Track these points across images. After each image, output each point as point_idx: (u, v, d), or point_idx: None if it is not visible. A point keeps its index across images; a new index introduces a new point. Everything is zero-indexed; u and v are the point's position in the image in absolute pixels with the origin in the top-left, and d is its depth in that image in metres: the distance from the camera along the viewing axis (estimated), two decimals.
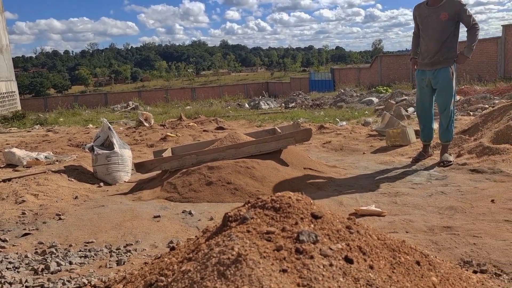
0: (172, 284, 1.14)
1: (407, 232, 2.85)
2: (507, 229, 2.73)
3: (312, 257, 1.12)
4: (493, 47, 21.83)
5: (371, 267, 1.15)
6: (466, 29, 4.44)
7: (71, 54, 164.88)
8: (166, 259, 1.39)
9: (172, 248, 1.57)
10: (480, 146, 4.77)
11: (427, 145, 4.94)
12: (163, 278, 1.19)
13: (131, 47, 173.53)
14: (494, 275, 2.12)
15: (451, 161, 4.57)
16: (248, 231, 1.21)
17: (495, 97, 10.39)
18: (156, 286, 1.18)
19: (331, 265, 1.11)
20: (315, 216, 1.28)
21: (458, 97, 11.60)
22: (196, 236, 1.56)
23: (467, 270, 1.97)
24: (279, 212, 1.28)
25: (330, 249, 1.16)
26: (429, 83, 4.53)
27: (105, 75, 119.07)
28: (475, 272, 2.07)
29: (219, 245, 1.18)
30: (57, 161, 5.97)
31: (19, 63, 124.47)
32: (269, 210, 1.29)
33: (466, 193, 3.61)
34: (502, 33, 21.51)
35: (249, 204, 1.36)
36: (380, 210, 3.28)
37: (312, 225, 1.25)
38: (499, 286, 1.72)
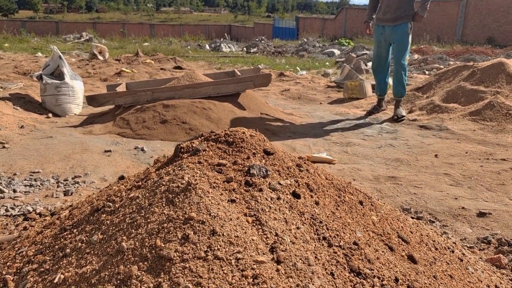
0: (119, 209, 1.13)
1: (354, 179, 2.97)
2: (445, 182, 2.91)
3: (261, 190, 1.14)
4: (455, 9, 22.17)
5: (317, 203, 1.19)
6: None
7: None
8: (114, 187, 1.38)
9: (121, 177, 1.56)
10: (431, 104, 4.95)
11: (382, 99, 5.08)
12: (110, 204, 1.18)
13: None
14: (428, 222, 2.28)
15: (404, 116, 4.73)
16: (200, 162, 1.21)
17: (450, 59, 10.70)
18: (103, 212, 1.16)
19: (278, 198, 1.14)
20: (267, 152, 1.30)
21: (416, 56, 11.86)
22: (147, 168, 1.54)
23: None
24: (232, 146, 1.28)
25: (279, 184, 1.19)
26: (387, 38, 4.67)
27: (57, 2, 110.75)
28: (412, 218, 2.21)
29: (169, 174, 1.17)
30: (1, 87, 5.62)
31: None
32: (222, 144, 1.29)
33: (413, 147, 3.78)
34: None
35: (203, 137, 1.35)
36: (331, 158, 3.38)
37: (263, 161, 1.26)
38: (431, 229, 1.85)
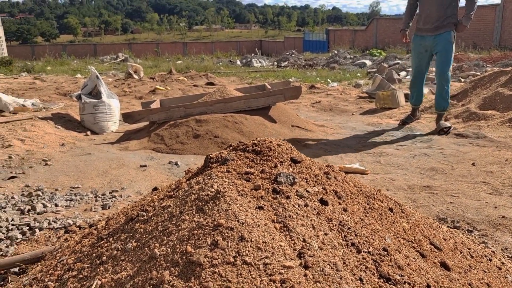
0: (152, 218, 1.17)
1: (387, 189, 2.92)
2: (483, 190, 2.82)
3: (288, 197, 1.16)
4: (491, 15, 21.55)
5: (345, 210, 1.19)
6: None
7: (60, 1, 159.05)
8: (148, 197, 1.43)
9: (155, 189, 1.61)
10: (467, 111, 4.82)
11: (416, 108, 4.93)
12: (143, 213, 1.23)
13: None
14: (466, 231, 2.22)
15: (450, 127, 4.50)
16: (228, 171, 1.24)
17: (487, 65, 10.38)
18: (137, 221, 1.21)
19: (306, 205, 1.15)
20: (294, 161, 1.31)
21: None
22: (179, 179, 1.59)
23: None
24: (259, 155, 1.31)
25: (307, 191, 1.20)
26: (428, 49, 4.44)
27: (95, 25, 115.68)
28: (449, 228, 2.15)
29: (199, 183, 1.21)
30: (44, 108, 5.91)
31: (6, 8, 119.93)
32: (250, 153, 1.32)
33: (449, 155, 3.68)
34: (501, 0, 21.19)
35: (231, 147, 1.38)
36: (363, 168, 3.34)
37: (291, 169, 1.28)
38: (468, 238, 1.79)
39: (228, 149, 1.38)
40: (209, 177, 1.21)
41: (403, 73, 9.79)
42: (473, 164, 3.38)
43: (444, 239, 1.34)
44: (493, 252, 1.73)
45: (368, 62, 13.72)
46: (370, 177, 3.22)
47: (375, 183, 3.04)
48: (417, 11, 4.58)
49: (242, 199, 1.12)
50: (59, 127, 4.78)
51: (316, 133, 4.61)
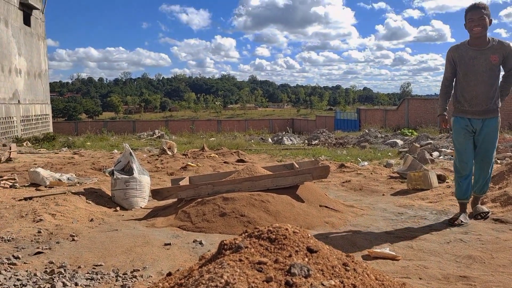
0: None
1: (420, 278, 2.74)
2: None
3: None
4: None
5: None
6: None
7: (105, 82, 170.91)
8: (160, 284, 1.39)
9: (169, 274, 1.57)
10: (505, 195, 4.61)
11: (466, 202, 4.23)
12: None
13: (163, 77, 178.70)
14: None
15: (488, 211, 4.22)
16: (240, 260, 1.20)
17: None
18: None
19: None
20: (310, 250, 1.26)
21: None
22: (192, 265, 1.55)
23: None
24: (274, 243, 1.27)
25: (322, 284, 1.13)
26: (475, 131, 4.05)
27: (136, 103, 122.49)
28: None
29: (210, 272, 1.17)
30: (78, 183, 6.10)
31: (56, 88, 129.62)
32: (264, 241, 1.28)
33: (487, 242, 3.47)
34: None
35: (246, 234, 1.35)
36: (394, 253, 3.18)
37: (306, 259, 1.22)
38: None
39: (243, 234, 1.36)
40: (220, 266, 1.18)
41: (435, 153, 9.65)
42: None
43: None
44: None
45: (400, 142, 13.67)
46: (401, 263, 3.05)
47: (407, 270, 2.87)
48: (456, 91, 4.19)
49: None
50: (90, 202, 4.88)
51: (345, 213, 4.49)
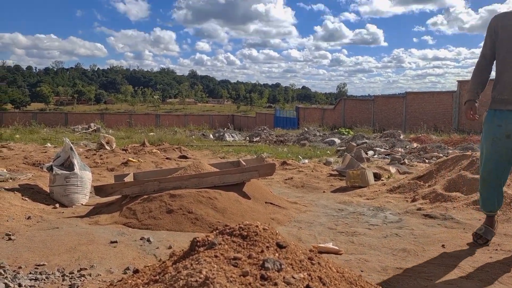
0: None
1: (362, 271, 2.92)
2: (455, 274, 2.86)
3: (276, 284, 1.16)
4: (449, 100, 23.19)
5: None
6: None
7: (34, 71, 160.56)
8: (130, 281, 1.39)
9: (136, 271, 1.57)
10: (434, 192, 5.00)
11: (494, 215, 3.49)
12: None
13: (98, 68, 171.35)
14: None
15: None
16: (216, 256, 1.24)
17: (449, 147, 10.97)
18: None
19: None
20: (280, 246, 1.34)
21: (415, 144, 12.15)
22: (160, 260, 1.57)
23: None
24: (246, 239, 1.33)
25: (293, 277, 1.21)
26: (509, 137, 3.05)
27: (68, 95, 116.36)
28: None
29: (187, 268, 1.20)
30: (11, 178, 5.74)
31: None
32: (236, 237, 1.34)
33: (419, 236, 3.76)
34: (457, 88, 22.96)
35: (217, 231, 1.40)
36: (337, 248, 3.36)
37: (277, 254, 1.30)
38: None
39: (215, 232, 1.40)
40: (197, 262, 1.21)
41: (370, 152, 10.18)
42: (443, 246, 3.46)
43: None
44: None
45: (337, 140, 14.24)
46: (344, 257, 3.23)
47: (350, 264, 3.05)
48: (495, 77, 3.22)
49: (231, 285, 1.12)
50: (26, 199, 4.63)
51: (289, 210, 4.64)
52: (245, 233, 1.34)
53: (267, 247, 1.31)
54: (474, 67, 3.36)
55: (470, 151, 8.35)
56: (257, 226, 1.37)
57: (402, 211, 4.66)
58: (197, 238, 1.36)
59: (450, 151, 10.08)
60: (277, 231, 1.44)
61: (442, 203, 4.72)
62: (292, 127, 29.80)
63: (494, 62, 3.25)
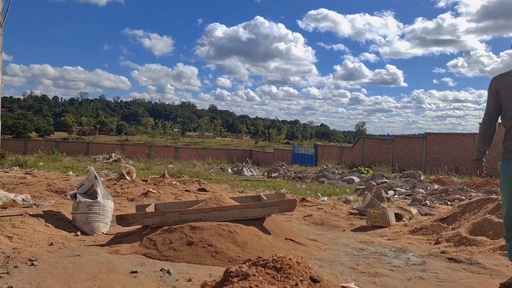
0: None
1: None
2: None
3: None
4: (470, 142, 22.89)
5: None
6: None
7: (60, 101, 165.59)
8: None
9: None
10: (458, 235, 4.88)
11: None
12: None
13: (121, 100, 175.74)
14: None
15: None
16: (251, 287, 1.24)
17: (471, 190, 10.74)
18: None
19: None
20: (313, 280, 1.33)
21: (436, 186, 11.94)
22: None
23: None
24: (280, 272, 1.33)
25: None
26: None
27: (91, 125, 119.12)
28: None
29: None
30: (34, 204, 5.84)
31: (6, 104, 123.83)
32: (270, 269, 1.34)
33: (444, 280, 3.65)
34: (478, 130, 22.69)
35: (250, 262, 1.40)
36: None
37: None
38: None
39: (248, 263, 1.40)
40: None
41: (391, 192, 10.04)
42: None
43: None
44: None
45: (356, 179, 14.11)
46: None
47: None
48: (505, 130, 3.40)
49: None
50: (49, 225, 4.69)
51: (309, 247, 4.58)
52: (279, 266, 1.34)
53: (301, 280, 1.31)
54: (480, 125, 3.52)
55: (494, 194, 8.17)
56: (290, 259, 1.37)
57: (425, 253, 4.55)
58: (230, 269, 1.36)
59: (473, 194, 9.87)
60: (310, 265, 1.44)
61: (467, 246, 4.59)
62: (310, 164, 29.70)
63: (499, 117, 3.51)
